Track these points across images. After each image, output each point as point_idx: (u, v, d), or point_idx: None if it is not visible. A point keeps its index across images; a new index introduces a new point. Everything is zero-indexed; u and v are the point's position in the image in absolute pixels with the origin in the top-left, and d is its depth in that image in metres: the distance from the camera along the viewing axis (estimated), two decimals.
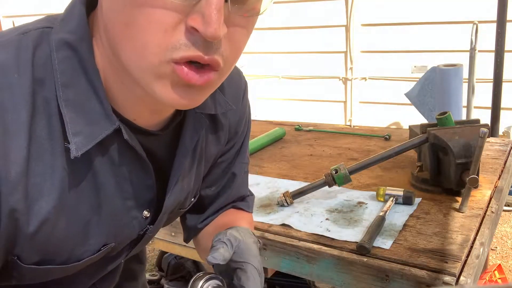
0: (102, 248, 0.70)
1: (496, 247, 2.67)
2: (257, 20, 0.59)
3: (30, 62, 0.57)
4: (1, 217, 0.56)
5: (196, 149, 0.77)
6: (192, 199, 0.87)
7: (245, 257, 0.78)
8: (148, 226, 0.76)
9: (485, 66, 2.89)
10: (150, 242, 0.96)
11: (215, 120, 0.81)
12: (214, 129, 0.82)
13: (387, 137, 1.96)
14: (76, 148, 0.58)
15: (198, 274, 0.84)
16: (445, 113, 1.47)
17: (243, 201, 1.01)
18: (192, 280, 0.82)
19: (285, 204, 1.48)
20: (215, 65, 0.55)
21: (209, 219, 0.96)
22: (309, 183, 1.63)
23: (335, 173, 1.47)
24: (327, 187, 1.59)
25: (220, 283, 0.81)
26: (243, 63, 4.12)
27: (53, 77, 0.58)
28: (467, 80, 2.71)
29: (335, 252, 1.23)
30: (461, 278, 1.10)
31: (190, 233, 0.99)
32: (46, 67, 0.58)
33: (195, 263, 2.16)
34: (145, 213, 0.74)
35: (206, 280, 0.82)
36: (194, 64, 0.54)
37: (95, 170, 0.63)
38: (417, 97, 2.69)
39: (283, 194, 1.49)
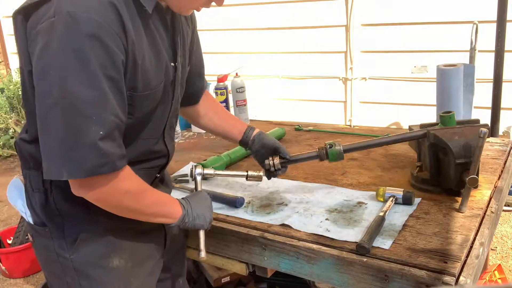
0: (162, 81, 1.15)
1: (496, 247, 2.67)
2: None
3: None
4: (128, 62, 1.01)
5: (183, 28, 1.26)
6: (188, 66, 1.33)
7: (267, 139, 1.49)
8: (176, 73, 1.21)
9: (485, 66, 2.89)
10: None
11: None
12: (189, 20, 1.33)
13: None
14: (148, 9, 1.05)
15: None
16: (449, 112, 1.47)
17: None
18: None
19: (271, 168, 1.45)
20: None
21: (202, 91, 1.53)
22: (309, 183, 1.63)
23: (330, 147, 1.46)
24: (325, 187, 1.59)
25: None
26: (243, 63, 4.13)
27: None
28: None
29: (335, 252, 1.23)
30: (461, 278, 1.10)
31: (192, 99, 1.49)
32: None
33: (195, 263, 2.17)
34: (172, 64, 1.20)
35: (273, 158, 1.46)
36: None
37: (153, 29, 1.10)
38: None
39: (272, 157, 1.47)
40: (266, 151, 1.49)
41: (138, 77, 1.06)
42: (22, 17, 1.04)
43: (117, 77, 0.99)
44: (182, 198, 1.27)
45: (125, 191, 1.08)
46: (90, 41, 0.94)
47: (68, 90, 0.94)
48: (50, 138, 0.98)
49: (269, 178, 1.51)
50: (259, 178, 1.48)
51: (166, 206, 1.20)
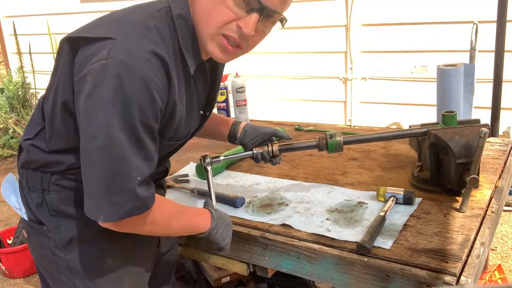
0: (189, 132, 1.25)
1: (496, 247, 2.67)
2: (270, 31, 1.14)
3: (167, 27, 1.07)
4: (165, 115, 1.07)
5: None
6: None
7: (261, 126, 1.53)
8: (200, 121, 1.30)
9: (485, 66, 2.89)
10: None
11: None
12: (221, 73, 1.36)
13: None
14: (191, 70, 1.12)
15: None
16: (452, 112, 1.47)
17: None
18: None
19: (269, 154, 1.45)
20: (240, 45, 1.10)
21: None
22: (310, 183, 1.63)
23: (330, 137, 1.45)
24: (326, 187, 1.59)
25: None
26: (243, 63, 4.12)
27: (176, 34, 1.09)
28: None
29: (336, 252, 1.23)
30: (462, 278, 1.10)
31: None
32: (172, 28, 1.08)
33: (195, 263, 2.16)
34: (201, 112, 1.29)
35: (272, 145, 1.47)
36: (230, 41, 1.08)
37: (192, 85, 1.17)
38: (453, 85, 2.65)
39: (270, 144, 1.47)
40: (261, 138, 1.49)
41: (170, 130, 1.13)
42: (69, 46, 1.07)
43: (155, 126, 1.05)
44: (213, 209, 1.31)
45: (153, 222, 1.13)
46: (139, 92, 0.98)
47: (113, 136, 0.99)
48: (94, 178, 1.03)
49: (257, 162, 1.51)
50: (266, 153, 1.46)
51: (194, 226, 1.25)
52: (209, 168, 1.47)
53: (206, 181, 1.50)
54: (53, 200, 1.16)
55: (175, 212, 1.21)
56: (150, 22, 1.05)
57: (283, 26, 1.12)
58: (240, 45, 1.09)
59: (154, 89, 0.99)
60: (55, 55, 1.12)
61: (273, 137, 1.51)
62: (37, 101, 5.08)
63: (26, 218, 1.22)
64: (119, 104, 0.97)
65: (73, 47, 1.06)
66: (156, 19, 1.06)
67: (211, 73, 1.27)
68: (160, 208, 1.15)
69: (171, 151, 1.28)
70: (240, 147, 1.68)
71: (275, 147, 1.46)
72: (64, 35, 1.11)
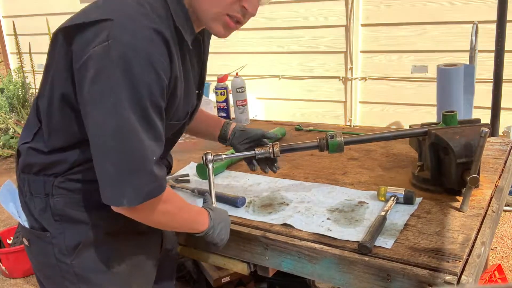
0: (188, 113, 1.22)
1: (496, 247, 2.67)
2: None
3: (160, 3, 1.06)
4: (168, 92, 1.06)
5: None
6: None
7: (251, 129, 1.54)
8: (197, 101, 1.29)
9: (485, 66, 2.89)
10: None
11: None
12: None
13: None
14: (188, 43, 1.12)
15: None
16: (452, 111, 1.48)
17: None
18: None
19: (271, 155, 1.46)
20: (241, 22, 1.14)
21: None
22: (310, 183, 1.64)
23: (331, 138, 1.45)
24: (326, 187, 1.59)
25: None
26: (243, 63, 4.13)
27: (169, 10, 1.07)
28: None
29: (337, 251, 1.23)
30: (463, 277, 1.10)
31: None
32: (164, 6, 1.06)
33: (195, 263, 2.16)
34: (197, 91, 1.27)
35: (272, 145, 1.47)
36: (233, 19, 1.11)
37: (188, 60, 1.15)
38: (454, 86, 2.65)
39: (272, 144, 1.47)
40: (251, 140, 1.51)
41: (172, 108, 1.12)
42: (63, 37, 1.05)
43: (162, 104, 1.04)
44: (210, 210, 1.30)
45: (165, 211, 1.13)
46: (146, 72, 0.97)
47: (125, 117, 0.97)
48: (111, 165, 1.01)
49: (253, 169, 1.53)
50: (267, 153, 1.47)
51: (195, 223, 1.25)
52: (210, 165, 1.47)
53: (206, 180, 1.50)
54: (57, 204, 1.13)
55: (183, 205, 1.21)
56: (143, 0, 1.03)
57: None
58: (241, 21, 1.12)
59: (159, 67, 0.99)
60: (48, 48, 1.09)
61: (263, 139, 1.52)
62: None
63: (27, 226, 1.19)
64: (128, 85, 0.96)
65: (67, 37, 1.03)
66: None
67: (203, 48, 1.27)
68: (172, 199, 1.15)
69: (171, 138, 1.25)
70: None
71: (276, 148, 1.46)
72: (57, 28, 1.07)
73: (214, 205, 1.39)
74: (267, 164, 1.52)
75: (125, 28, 0.97)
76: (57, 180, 1.12)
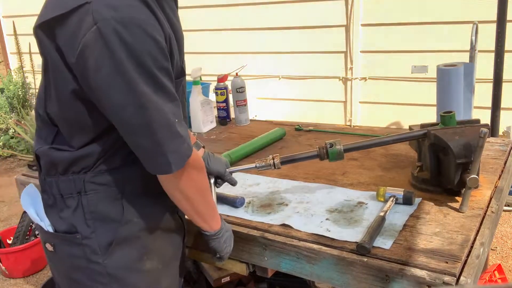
0: (183, 68, 1.18)
1: (496, 247, 2.67)
2: None
3: None
4: (167, 45, 1.03)
5: None
6: None
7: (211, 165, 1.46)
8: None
9: (485, 66, 2.89)
10: None
11: None
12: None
13: None
14: None
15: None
16: (450, 112, 1.47)
17: None
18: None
19: (272, 167, 1.48)
20: None
21: None
22: (309, 183, 1.63)
23: (330, 147, 1.46)
24: (326, 187, 1.59)
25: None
26: (243, 63, 4.13)
27: None
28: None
29: (335, 252, 1.23)
30: (461, 278, 1.10)
31: None
32: None
33: (195, 263, 2.16)
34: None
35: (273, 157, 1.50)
36: None
37: (171, 15, 1.11)
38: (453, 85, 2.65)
39: (272, 156, 1.49)
40: (223, 168, 1.49)
41: (173, 65, 1.10)
42: (44, 34, 1.03)
43: (168, 65, 1.04)
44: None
45: (198, 177, 1.17)
46: (142, 40, 0.96)
47: (139, 92, 0.98)
48: (143, 140, 1.03)
49: (219, 186, 1.51)
50: (268, 165, 1.49)
51: (212, 213, 1.26)
52: (212, 180, 1.46)
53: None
54: (90, 201, 1.12)
55: (207, 187, 1.23)
56: None
57: None
58: None
59: (152, 31, 0.98)
60: (39, 49, 1.07)
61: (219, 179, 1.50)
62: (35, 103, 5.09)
63: (51, 230, 1.17)
64: (130, 59, 0.96)
65: (48, 32, 1.02)
66: None
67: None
68: (200, 170, 1.18)
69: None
70: (240, 147, 1.68)
71: (277, 160, 1.48)
72: (34, 26, 1.05)
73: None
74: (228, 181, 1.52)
75: (105, 5, 0.95)
76: (88, 176, 1.11)
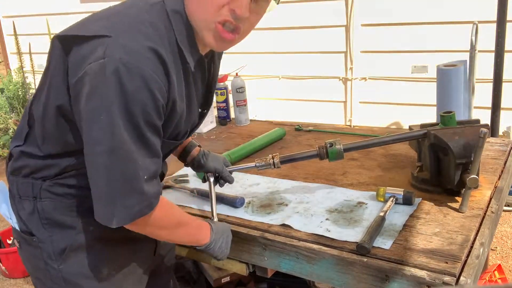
0: (187, 131, 1.22)
1: (496, 247, 2.67)
2: (265, 11, 1.07)
3: (162, 22, 1.03)
4: (166, 112, 1.04)
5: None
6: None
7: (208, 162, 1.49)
8: (199, 119, 1.28)
9: (485, 66, 2.89)
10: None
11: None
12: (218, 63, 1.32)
13: None
14: (191, 66, 1.09)
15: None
16: (450, 112, 1.47)
17: None
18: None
19: (272, 166, 1.48)
20: (238, 30, 1.04)
21: None
22: (309, 183, 1.63)
23: (330, 146, 1.46)
24: (325, 187, 1.59)
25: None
26: (244, 63, 4.12)
27: (172, 30, 1.04)
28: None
29: (335, 252, 1.23)
30: (461, 278, 1.10)
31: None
32: (167, 24, 1.04)
33: (195, 263, 2.16)
34: (199, 110, 1.26)
35: (273, 157, 1.49)
36: (226, 26, 1.03)
37: (191, 81, 1.13)
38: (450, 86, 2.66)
39: (272, 156, 1.48)
40: (220, 164, 1.50)
41: (170, 127, 1.11)
42: (60, 45, 1.03)
43: (158, 123, 1.03)
44: (213, 223, 1.30)
45: (160, 226, 1.14)
46: (139, 90, 0.95)
47: (118, 138, 0.96)
48: (103, 183, 1.01)
49: (221, 185, 1.53)
50: (268, 165, 1.48)
51: (195, 237, 1.25)
52: (211, 179, 1.48)
53: (206, 182, 1.51)
54: (45, 207, 1.12)
55: (182, 220, 1.21)
56: (145, 17, 1.01)
57: (277, 3, 1.08)
58: (237, 29, 1.04)
59: (154, 86, 0.97)
60: (47, 56, 1.08)
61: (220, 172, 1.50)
62: None
63: (17, 228, 1.19)
64: (121, 105, 0.95)
65: (65, 46, 1.02)
66: (150, 14, 1.02)
67: (209, 69, 1.24)
68: (168, 214, 1.15)
69: (167, 152, 1.26)
70: (240, 147, 1.67)
71: (276, 159, 1.47)
72: (55, 34, 1.06)
73: (215, 219, 1.40)
74: (219, 183, 1.53)
75: (121, 46, 0.95)
76: (46, 184, 1.11)
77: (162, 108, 1.01)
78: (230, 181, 1.51)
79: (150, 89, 0.96)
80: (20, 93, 4.99)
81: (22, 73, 4.86)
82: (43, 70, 1.13)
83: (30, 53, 4.58)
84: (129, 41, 0.96)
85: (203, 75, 1.21)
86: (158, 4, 1.05)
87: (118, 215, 1.02)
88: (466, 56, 2.69)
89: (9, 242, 2.80)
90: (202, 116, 1.31)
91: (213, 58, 1.24)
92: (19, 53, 4.63)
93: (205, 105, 1.29)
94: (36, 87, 1.15)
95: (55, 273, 1.16)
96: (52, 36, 4.51)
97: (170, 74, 1.01)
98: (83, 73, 0.97)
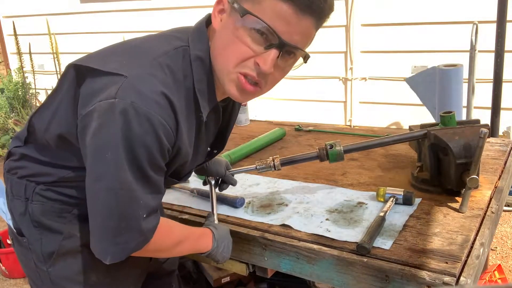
0: (191, 171, 1.25)
1: (496, 247, 2.67)
2: (291, 69, 1.09)
3: (182, 68, 1.02)
4: (171, 155, 1.03)
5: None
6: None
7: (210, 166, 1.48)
8: (205, 158, 1.31)
9: (485, 66, 2.89)
10: None
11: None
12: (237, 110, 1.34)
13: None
14: (204, 115, 1.08)
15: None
16: (450, 112, 1.47)
17: None
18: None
19: (272, 168, 1.48)
20: (259, 84, 1.04)
21: None
22: (309, 183, 1.63)
23: (330, 148, 1.46)
24: (326, 187, 1.59)
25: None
26: None
27: (192, 77, 1.04)
28: (467, 80, 2.71)
29: (335, 252, 1.23)
30: (461, 278, 1.10)
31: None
32: (187, 70, 1.03)
33: (195, 263, 2.16)
34: (209, 149, 1.28)
35: (273, 159, 1.49)
36: (248, 79, 1.02)
37: (203, 128, 1.12)
38: (422, 91, 2.69)
39: (273, 158, 1.48)
40: (223, 168, 1.50)
41: (172, 168, 1.10)
42: (74, 73, 1.03)
43: (163, 164, 1.02)
44: (214, 228, 1.30)
45: (158, 249, 1.15)
46: (146, 134, 0.95)
47: (121, 178, 0.96)
48: (100, 219, 1.00)
49: (221, 190, 1.52)
50: (269, 167, 1.48)
51: (197, 248, 1.25)
52: (212, 182, 1.48)
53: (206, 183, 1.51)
54: (35, 210, 1.12)
55: (181, 238, 1.20)
56: (165, 61, 1.00)
57: (305, 62, 1.07)
58: (259, 83, 1.03)
59: (161, 132, 0.96)
60: (59, 78, 1.07)
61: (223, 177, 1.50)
62: (37, 101, 5.05)
63: (11, 225, 1.18)
64: (127, 146, 0.94)
65: (79, 75, 1.02)
66: (171, 59, 1.01)
67: (226, 112, 1.25)
68: (169, 237, 1.15)
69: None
70: (240, 147, 1.67)
71: (277, 161, 1.47)
72: (72, 62, 1.05)
73: (216, 222, 1.40)
74: (219, 187, 1.52)
75: (133, 88, 0.94)
76: (39, 188, 1.11)
77: (168, 151, 1.01)
78: (233, 183, 1.51)
79: (157, 134, 0.96)
80: (20, 93, 4.99)
81: (22, 73, 4.86)
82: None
83: (30, 53, 4.58)
84: (143, 85, 0.95)
85: (217, 119, 1.19)
86: (181, 48, 1.03)
87: (113, 251, 1.02)
88: (466, 56, 2.69)
89: (9, 242, 2.80)
90: (210, 155, 1.31)
91: (234, 104, 1.25)
92: (19, 53, 4.63)
93: (215, 146, 1.30)
94: (42, 103, 1.14)
95: (43, 275, 1.16)
96: (52, 36, 4.52)
97: (179, 121, 1.00)
98: (93, 108, 0.96)
